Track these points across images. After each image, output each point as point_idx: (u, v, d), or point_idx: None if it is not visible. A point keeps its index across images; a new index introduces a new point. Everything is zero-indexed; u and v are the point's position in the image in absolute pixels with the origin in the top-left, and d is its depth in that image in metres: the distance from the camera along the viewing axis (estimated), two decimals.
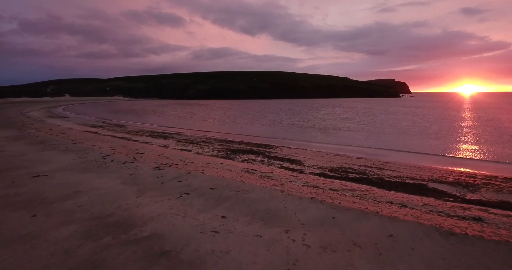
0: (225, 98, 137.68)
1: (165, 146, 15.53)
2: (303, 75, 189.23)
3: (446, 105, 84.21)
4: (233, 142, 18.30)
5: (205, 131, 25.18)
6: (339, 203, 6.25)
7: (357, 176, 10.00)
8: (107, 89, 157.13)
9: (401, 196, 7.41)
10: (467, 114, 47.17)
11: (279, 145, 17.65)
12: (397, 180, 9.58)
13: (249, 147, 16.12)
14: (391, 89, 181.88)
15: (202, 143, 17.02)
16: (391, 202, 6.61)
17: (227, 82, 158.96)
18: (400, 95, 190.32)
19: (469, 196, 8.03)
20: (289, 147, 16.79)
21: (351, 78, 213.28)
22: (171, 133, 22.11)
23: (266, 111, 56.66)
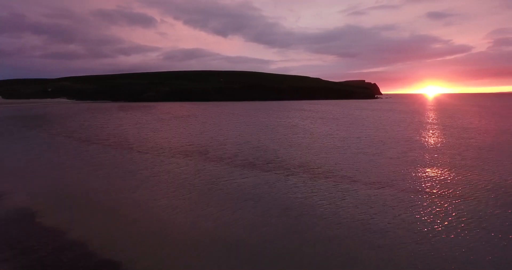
0: (190, 100, 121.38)
1: None
2: (276, 76, 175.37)
3: (433, 107, 73.13)
4: None
5: None
6: None
7: None
8: (49, 90, 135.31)
9: None
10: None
11: None
12: None
13: None
14: (368, 90, 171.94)
15: None
16: None
17: (195, 83, 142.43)
18: (376, 96, 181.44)
19: None
20: None
21: (323, 79, 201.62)
22: None
23: (212, 115, 41.38)
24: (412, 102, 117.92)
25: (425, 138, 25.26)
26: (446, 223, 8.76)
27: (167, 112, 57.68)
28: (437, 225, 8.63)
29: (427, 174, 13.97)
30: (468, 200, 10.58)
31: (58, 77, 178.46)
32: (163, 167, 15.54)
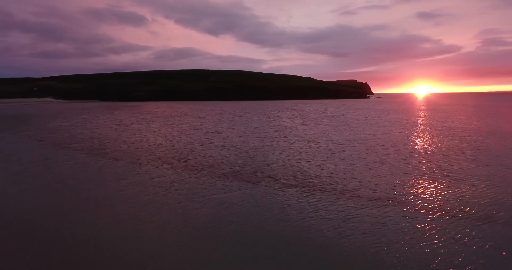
0: (181, 100, 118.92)
1: None
2: (267, 76, 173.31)
3: (431, 107, 72.01)
4: None
5: None
6: None
7: None
8: (35, 89, 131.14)
9: None
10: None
11: None
12: None
13: None
14: (360, 90, 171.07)
15: None
16: None
17: (186, 82, 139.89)
18: (368, 96, 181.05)
19: None
20: None
21: (315, 78, 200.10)
22: None
23: (200, 116, 39.07)
24: (403, 102, 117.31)
25: (426, 141, 23.54)
26: (473, 257, 6.87)
27: (154, 112, 55.25)
28: (461, 259, 6.73)
29: (438, 187, 12.12)
30: (494, 222, 8.72)
31: (46, 76, 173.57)
32: (134, 178, 13.38)
